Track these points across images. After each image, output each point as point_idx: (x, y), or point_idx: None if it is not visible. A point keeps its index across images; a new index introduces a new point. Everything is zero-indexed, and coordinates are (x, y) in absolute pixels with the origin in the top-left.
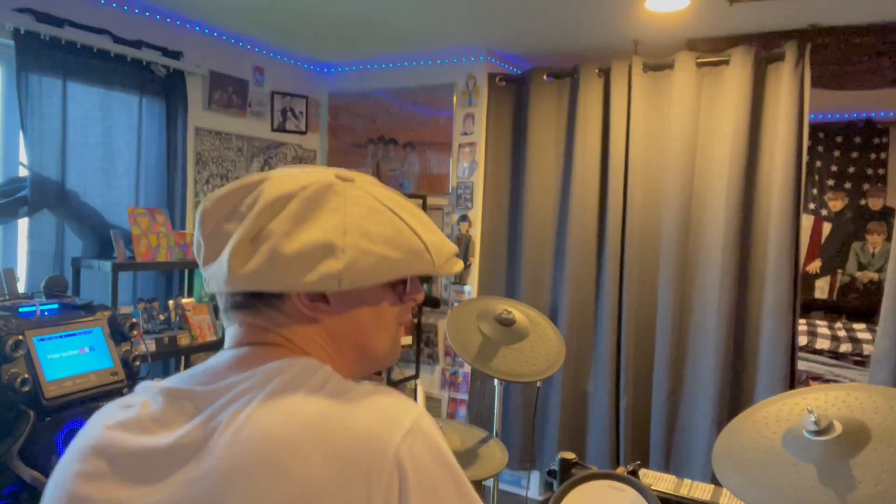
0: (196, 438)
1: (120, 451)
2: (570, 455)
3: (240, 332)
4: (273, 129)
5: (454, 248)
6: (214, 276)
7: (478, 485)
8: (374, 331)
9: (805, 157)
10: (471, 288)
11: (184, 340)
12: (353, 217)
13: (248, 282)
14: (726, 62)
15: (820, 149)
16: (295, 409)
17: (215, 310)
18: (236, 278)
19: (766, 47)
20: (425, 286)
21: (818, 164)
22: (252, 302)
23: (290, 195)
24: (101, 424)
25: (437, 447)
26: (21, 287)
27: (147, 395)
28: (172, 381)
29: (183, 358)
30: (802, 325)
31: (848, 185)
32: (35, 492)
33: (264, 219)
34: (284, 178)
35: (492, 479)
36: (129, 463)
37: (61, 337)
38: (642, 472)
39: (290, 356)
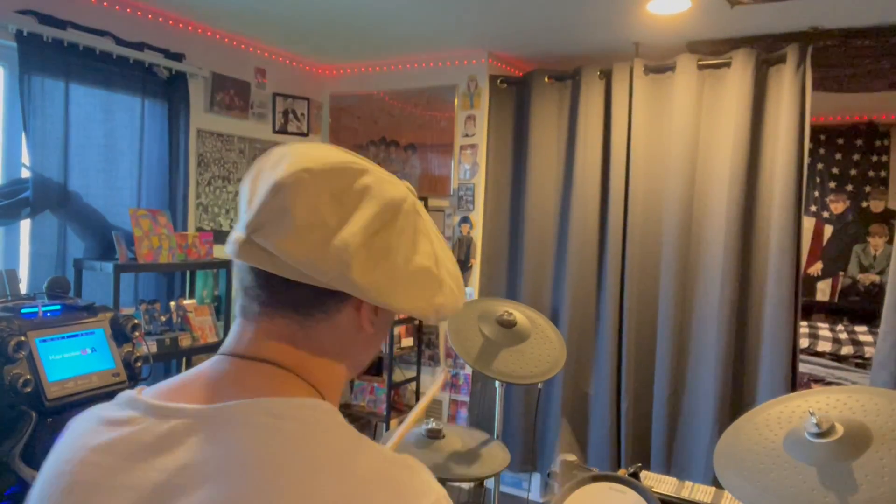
0: (185, 475)
1: (107, 486)
2: (571, 457)
3: (257, 338)
4: (275, 131)
5: None
6: (295, 258)
7: (479, 485)
8: (376, 348)
9: (806, 160)
10: (472, 289)
11: (185, 342)
12: (438, 246)
13: (358, 288)
14: (727, 64)
15: (821, 151)
16: (313, 488)
17: (216, 311)
18: (349, 282)
19: (767, 50)
20: None
21: (819, 166)
22: (306, 296)
23: (398, 204)
24: (86, 446)
25: None
26: (23, 288)
27: (133, 410)
28: (160, 395)
29: (184, 359)
30: (804, 327)
31: (849, 188)
32: None
33: (377, 224)
34: (384, 179)
35: (493, 481)
36: (115, 494)
37: (63, 338)
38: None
39: (299, 390)
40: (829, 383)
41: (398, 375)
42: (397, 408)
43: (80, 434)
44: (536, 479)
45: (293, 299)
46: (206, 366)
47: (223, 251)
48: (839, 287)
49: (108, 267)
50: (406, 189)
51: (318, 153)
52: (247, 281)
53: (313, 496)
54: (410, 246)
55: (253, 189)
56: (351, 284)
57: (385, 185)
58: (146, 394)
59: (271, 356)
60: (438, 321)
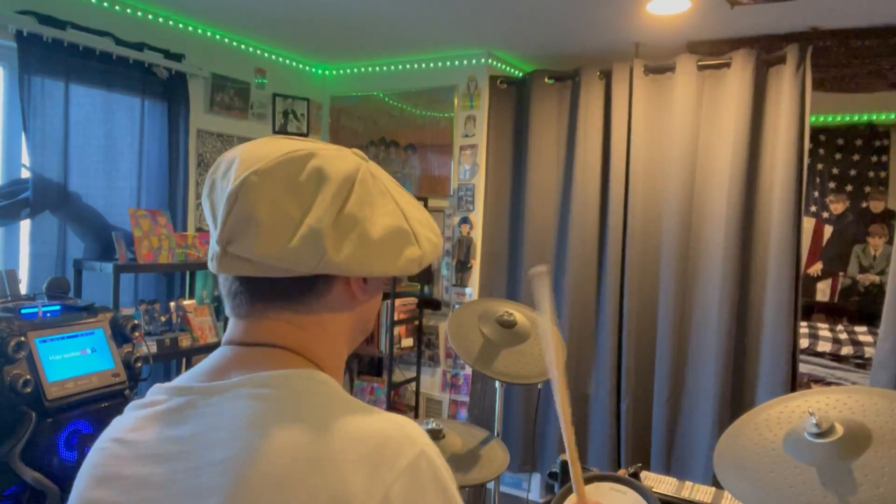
0: (192, 443)
1: (136, 457)
2: None
3: (254, 329)
4: (274, 132)
5: None
6: (274, 258)
7: (479, 487)
8: (375, 313)
9: (806, 160)
10: (472, 290)
11: (185, 342)
12: (402, 201)
13: (338, 267)
14: (727, 65)
15: (821, 151)
16: (292, 441)
17: (217, 311)
18: (329, 264)
19: (767, 50)
20: (426, 288)
21: (819, 166)
22: (295, 288)
23: (352, 177)
24: (122, 428)
25: (438, 487)
26: (23, 289)
27: (162, 395)
28: (182, 380)
29: (184, 359)
30: (804, 327)
31: (849, 188)
32: (36, 493)
33: (339, 202)
34: (332, 156)
35: (493, 482)
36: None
37: (63, 338)
38: (643, 474)
39: (297, 365)
40: (829, 383)
41: (398, 375)
42: (397, 408)
43: (120, 419)
44: (536, 479)
45: (282, 294)
46: (214, 354)
47: None
48: (839, 287)
49: (108, 267)
50: (357, 157)
51: (263, 151)
52: (233, 287)
53: (292, 450)
54: (375, 210)
55: (212, 202)
56: (333, 265)
57: (335, 161)
58: (176, 381)
59: (270, 340)
60: (422, 268)
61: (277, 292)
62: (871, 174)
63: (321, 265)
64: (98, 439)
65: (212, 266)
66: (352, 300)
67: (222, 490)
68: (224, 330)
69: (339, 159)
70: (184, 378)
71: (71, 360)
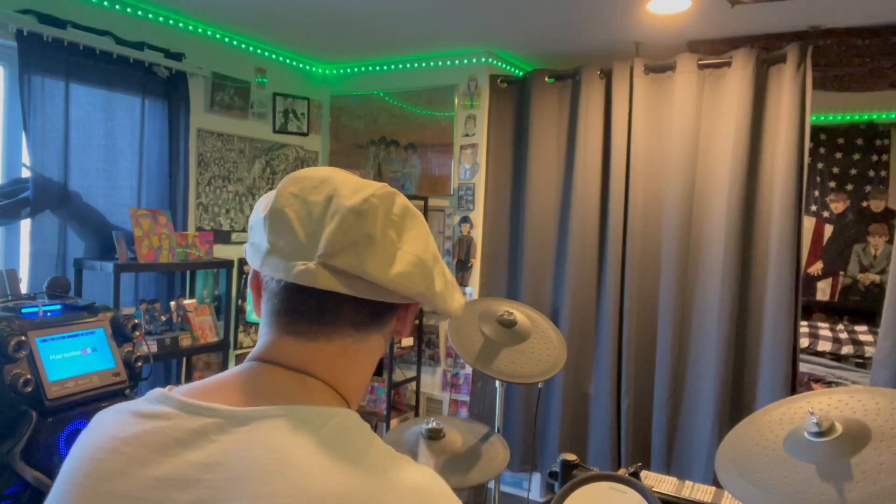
0: (215, 472)
1: (133, 476)
2: (571, 456)
3: (303, 353)
4: (275, 131)
5: None
6: (385, 279)
7: (480, 486)
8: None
9: (806, 159)
10: (472, 289)
11: (185, 341)
12: (426, 231)
13: (430, 301)
14: (728, 64)
15: (821, 150)
16: (343, 485)
17: (216, 311)
18: (429, 295)
19: (767, 49)
20: None
21: (820, 165)
22: (377, 312)
23: (420, 214)
24: (116, 436)
25: None
26: (23, 288)
27: (165, 406)
28: (193, 394)
29: (184, 359)
30: (804, 327)
31: (849, 187)
32: (37, 492)
33: (426, 237)
34: (401, 195)
35: (493, 481)
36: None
37: (64, 338)
38: (644, 473)
39: (332, 402)
40: (830, 383)
41: (398, 375)
42: (397, 408)
43: (111, 424)
44: (536, 478)
45: (356, 317)
46: (241, 370)
47: (223, 251)
48: (839, 287)
49: (109, 267)
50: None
51: (355, 179)
52: (305, 304)
53: (343, 494)
54: (438, 249)
55: (300, 215)
56: (432, 295)
57: (405, 199)
58: (177, 392)
59: (315, 370)
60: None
61: (354, 315)
62: (872, 173)
63: (424, 294)
64: (89, 444)
65: (299, 279)
66: (390, 335)
67: None
68: (224, 330)
69: (403, 197)
70: (202, 392)
71: (71, 360)
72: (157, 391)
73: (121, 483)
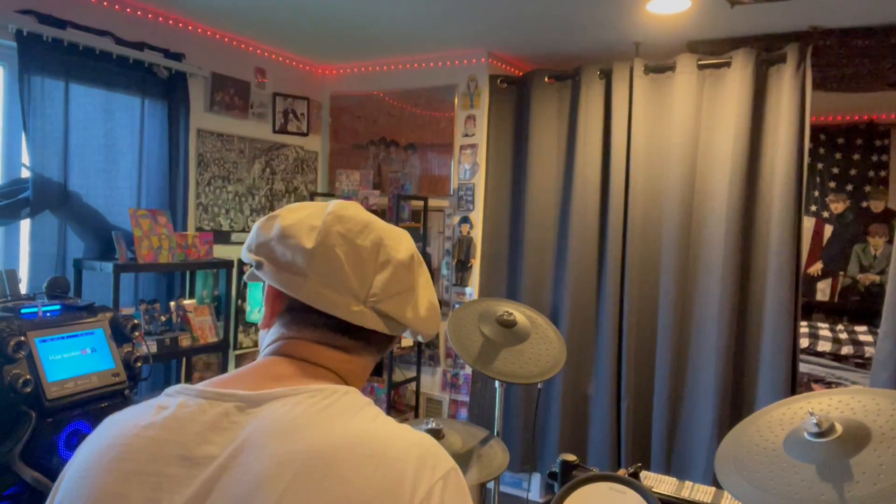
0: (240, 449)
1: (161, 456)
2: (571, 457)
3: (315, 352)
4: (274, 131)
5: None
6: (411, 321)
7: (479, 487)
8: None
9: (806, 159)
10: (472, 289)
11: (185, 342)
12: (428, 273)
13: (431, 336)
14: (727, 64)
15: (821, 151)
16: (355, 435)
17: (216, 311)
18: (409, 321)
19: (767, 49)
20: None
21: (819, 166)
22: (378, 343)
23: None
24: (137, 424)
25: (466, 499)
26: (23, 288)
27: (185, 396)
28: (212, 385)
29: (184, 359)
30: (804, 327)
31: (849, 188)
32: (36, 493)
33: (429, 281)
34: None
35: (493, 482)
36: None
37: (63, 338)
38: (643, 474)
39: (341, 383)
40: (830, 383)
41: (398, 375)
42: (397, 408)
43: (131, 417)
44: (536, 479)
45: (379, 344)
46: (256, 362)
47: (223, 252)
48: (839, 287)
49: (108, 267)
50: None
51: (394, 228)
52: (318, 322)
53: (355, 441)
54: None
55: (349, 256)
56: (433, 335)
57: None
58: (197, 385)
59: (327, 363)
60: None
61: (369, 341)
62: (872, 173)
63: (432, 335)
64: (107, 435)
65: (349, 318)
66: (385, 348)
67: (282, 479)
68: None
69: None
70: (221, 383)
71: (71, 360)
72: (176, 385)
73: (145, 462)
